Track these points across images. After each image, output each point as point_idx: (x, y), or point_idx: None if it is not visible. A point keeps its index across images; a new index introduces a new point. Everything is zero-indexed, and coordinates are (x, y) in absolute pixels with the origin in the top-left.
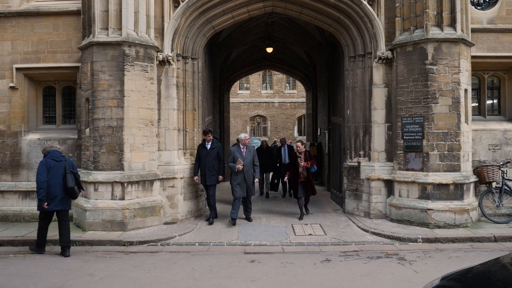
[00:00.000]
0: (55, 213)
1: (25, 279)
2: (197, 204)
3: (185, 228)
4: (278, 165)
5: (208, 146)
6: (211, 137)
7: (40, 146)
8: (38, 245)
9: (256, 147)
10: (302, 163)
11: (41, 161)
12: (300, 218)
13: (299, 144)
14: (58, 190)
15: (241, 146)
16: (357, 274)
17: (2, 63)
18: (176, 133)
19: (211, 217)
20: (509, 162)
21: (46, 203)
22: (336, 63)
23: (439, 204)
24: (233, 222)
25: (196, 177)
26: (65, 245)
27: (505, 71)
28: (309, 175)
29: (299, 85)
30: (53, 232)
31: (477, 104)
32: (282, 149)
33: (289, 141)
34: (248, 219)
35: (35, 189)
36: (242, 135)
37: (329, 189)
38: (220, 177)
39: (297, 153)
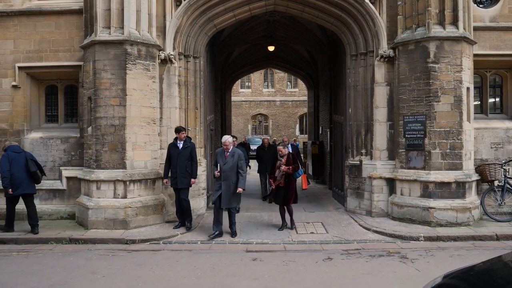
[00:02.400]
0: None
1: (28, 277)
2: (199, 202)
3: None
4: None
5: (180, 146)
6: (185, 136)
7: (43, 145)
8: (7, 225)
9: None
10: (282, 167)
11: (2, 155)
12: (280, 228)
13: (280, 148)
14: (23, 177)
15: (225, 149)
16: (359, 272)
17: (4, 62)
18: None
19: (180, 225)
20: (511, 160)
21: (11, 190)
22: (337, 62)
23: (441, 203)
24: (212, 236)
25: (166, 180)
26: (34, 224)
27: (508, 69)
28: (290, 181)
29: (300, 83)
30: (54, 230)
31: (479, 102)
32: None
33: (293, 139)
34: (232, 233)
35: (38, 187)
36: (224, 138)
37: (330, 188)
38: (193, 180)
39: (279, 156)
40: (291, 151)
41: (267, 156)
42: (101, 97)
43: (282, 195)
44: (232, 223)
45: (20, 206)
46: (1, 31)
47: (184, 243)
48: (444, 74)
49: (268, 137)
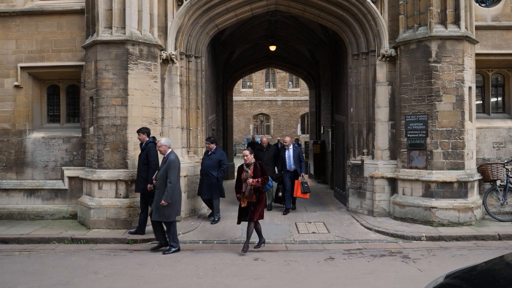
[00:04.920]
0: None
1: (30, 277)
2: (200, 202)
3: (189, 226)
4: (281, 171)
5: (143, 147)
6: (143, 137)
7: (45, 145)
8: None
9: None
10: (249, 180)
11: None
12: (243, 249)
13: (246, 152)
14: None
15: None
16: (361, 272)
17: (6, 62)
18: (180, 131)
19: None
20: None
21: None
22: (339, 61)
23: (443, 202)
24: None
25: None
26: None
27: (510, 68)
28: (261, 195)
29: (302, 83)
30: (56, 230)
31: (481, 101)
32: (286, 151)
33: (295, 138)
34: (165, 250)
35: (40, 187)
36: (158, 140)
37: (332, 187)
38: (149, 185)
39: (244, 165)
40: (292, 152)
41: (266, 157)
42: (103, 97)
43: (246, 211)
44: (169, 238)
45: (22, 205)
46: (3, 31)
47: (185, 242)
48: (446, 73)
49: (270, 136)
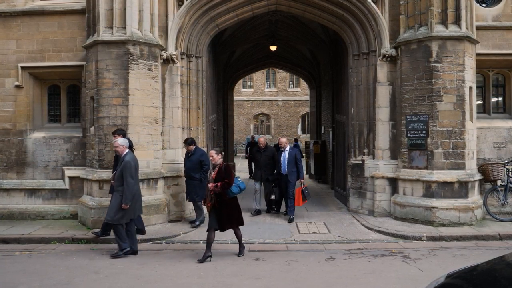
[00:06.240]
0: None
1: (31, 276)
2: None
3: (190, 226)
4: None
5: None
6: (117, 138)
7: (46, 145)
8: None
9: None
10: (209, 185)
11: None
12: (201, 259)
13: (212, 152)
14: None
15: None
16: (362, 272)
17: (7, 62)
18: (180, 131)
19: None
20: None
21: None
22: (339, 61)
23: (443, 202)
24: (114, 254)
25: None
26: None
27: (510, 68)
28: (224, 201)
29: (302, 83)
30: (56, 230)
31: (481, 102)
32: (282, 153)
33: (294, 138)
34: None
35: (40, 187)
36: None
37: (333, 187)
38: (112, 181)
39: (211, 166)
40: (287, 155)
41: (263, 158)
42: (104, 96)
43: (215, 218)
44: (117, 242)
45: (23, 205)
46: (4, 31)
47: (186, 242)
48: (446, 73)
49: (270, 137)
